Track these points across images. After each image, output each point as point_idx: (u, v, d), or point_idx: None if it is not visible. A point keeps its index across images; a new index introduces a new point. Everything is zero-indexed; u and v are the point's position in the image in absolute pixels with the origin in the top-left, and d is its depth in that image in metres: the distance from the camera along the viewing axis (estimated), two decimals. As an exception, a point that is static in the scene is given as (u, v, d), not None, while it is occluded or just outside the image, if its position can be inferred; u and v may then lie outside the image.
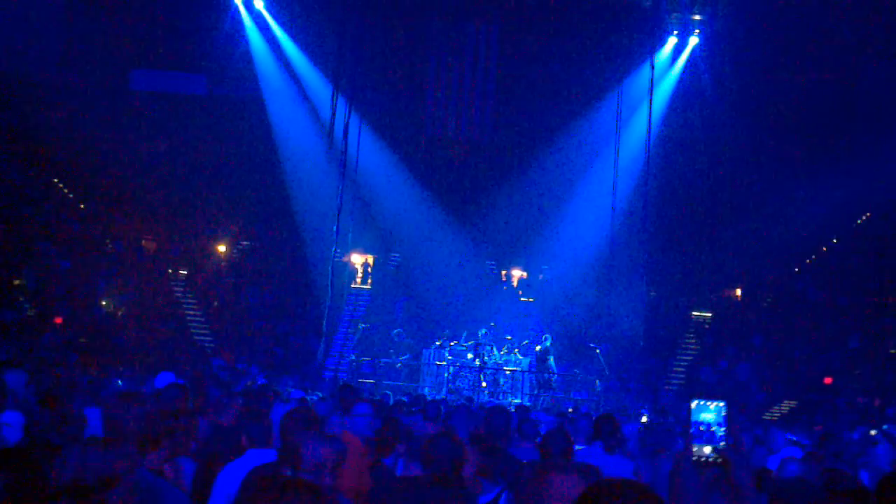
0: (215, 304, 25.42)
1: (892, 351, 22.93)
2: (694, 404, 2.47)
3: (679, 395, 22.27)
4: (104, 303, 23.70)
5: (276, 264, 26.81)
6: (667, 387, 23.49)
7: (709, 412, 2.44)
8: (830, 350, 23.49)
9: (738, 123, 25.45)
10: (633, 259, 24.68)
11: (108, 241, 26.00)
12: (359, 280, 26.99)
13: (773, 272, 26.86)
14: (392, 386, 19.48)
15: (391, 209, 26.75)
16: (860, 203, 26.10)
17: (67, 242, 24.40)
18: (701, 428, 2.43)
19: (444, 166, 26.80)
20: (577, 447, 6.69)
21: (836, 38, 24.62)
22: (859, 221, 27.44)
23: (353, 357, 22.78)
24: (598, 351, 22.25)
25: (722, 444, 2.38)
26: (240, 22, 25.56)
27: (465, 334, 21.63)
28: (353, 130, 25.10)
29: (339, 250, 24.14)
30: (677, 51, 25.50)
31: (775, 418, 20.90)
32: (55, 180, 26.65)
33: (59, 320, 21.79)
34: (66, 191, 26.96)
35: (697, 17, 24.55)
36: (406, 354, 21.87)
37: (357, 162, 25.59)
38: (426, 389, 19.65)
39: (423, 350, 21.53)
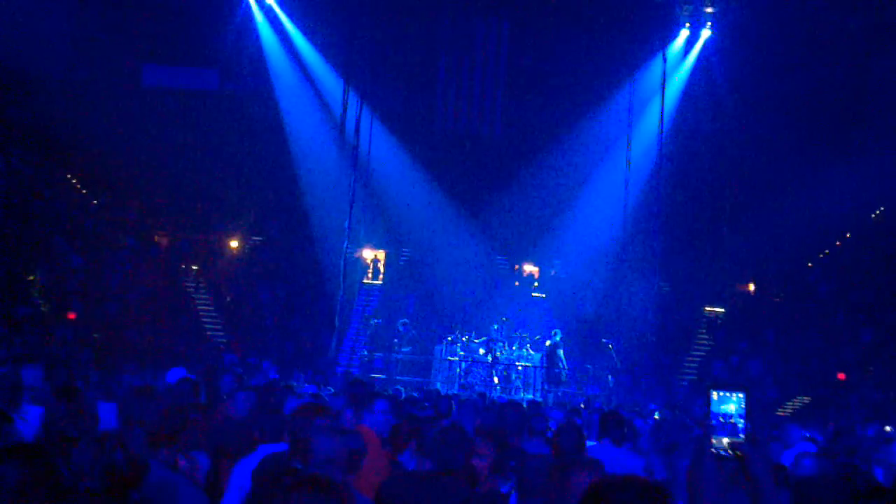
0: (227, 299, 25.47)
1: (906, 346, 22.80)
2: (715, 395, 2.44)
3: (692, 389, 22.19)
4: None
5: (288, 259, 26.86)
6: (679, 382, 23.42)
7: (730, 402, 2.42)
8: (843, 345, 23.37)
9: (750, 117, 25.32)
10: (645, 254, 24.60)
11: (120, 236, 26.07)
12: (370, 275, 27.01)
13: (785, 267, 26.74)
14: (403, 381, 19.49)
15: (403, 204, 26.75)
16: (873, 197, 25.94)
17: (80, 238, 24.48)
18: (721, 419, 2.40)
19: (456, 161, 26.76)
20: (588, 443, 6.69)
21: (848, 30, 24.46)
22: (873, 216, 27.28)
23: (365, 352, 22.80)
24: (610, 346, 22.21)
25: (741, 436, 2.36)
26: (251, 17, 25.58)
27: (472, 334, 21.54)
28: (364, 126, 25.12)
29: (350, 246, 24.17)
30: (689, 44, 25.38)
31: (788, 414, 20.82)
32: (67, 176, 26.74)
33: (72, 316, 21.87)
34: (78, 186, 27.05)
35: (710, 10, 24.41)
36: (407, 347, 21.85)
37: (368, 157, 25.62)
38: (438, 385, 19.67)
39: (435, 346, 21.54)
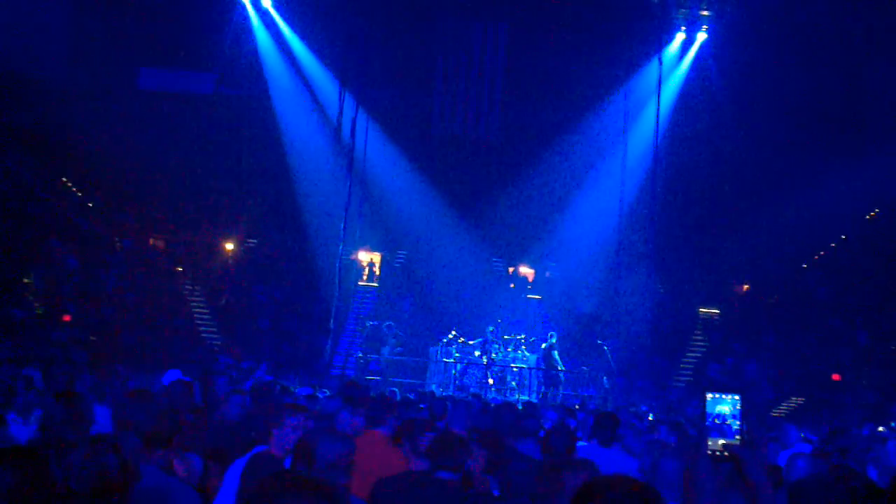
0: (223, 301, 25.45)
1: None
2: (709, 397, 2.46)
3: (687, 391, 22.22)
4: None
5: (283, 262, 26.85)
6: (675, 383, 23.44)
7: (724, 404, 2.43)
8: (839, 346, 23.41)
9: (746, 119, 25.37)
10: (640, 255, 24.64)
11: (116, 239, 26.04)
12: (366, 277, 27.01)
13: (781, 268, 26.78)
14: (399, 383, 19.50)
15: (398, 207, 26.76)
16: (869, 199, 26.02)
17: (75, 241, 24.45)
18: (716, 421, 2.42)
19: (452, 164, 26.76)
20: (580, 443, 6.75)
21: (844, 32, 24.50)
22: (868, 217, 27.34)
23: (360, 354, 22.81)
24: (606, 348, 22.23)
25: (737, 437, 2.37)
26: (247, 20, 25.57)
27: (467, 336, 21.54)
28: (360, 128, 25.14)
29: (346, 248, 24.18)
30: (685, 47, 25.41)
31: (783, 415, 20.85)
32: (63, 179, 26.71)
33: (67, 318, 21.84)
34: (74, 189, 27.02)
35: (706, 13, 24.45)
36: (386, 347, 21.80)
37: (364, 160, 25.62)
38: (433, 386, 19.67)
39: (431, 347, 21.55)
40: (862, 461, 7.83)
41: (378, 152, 26.31)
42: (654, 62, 24.80)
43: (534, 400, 17.95)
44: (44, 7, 25.19)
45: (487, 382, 20.12)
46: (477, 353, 20.73)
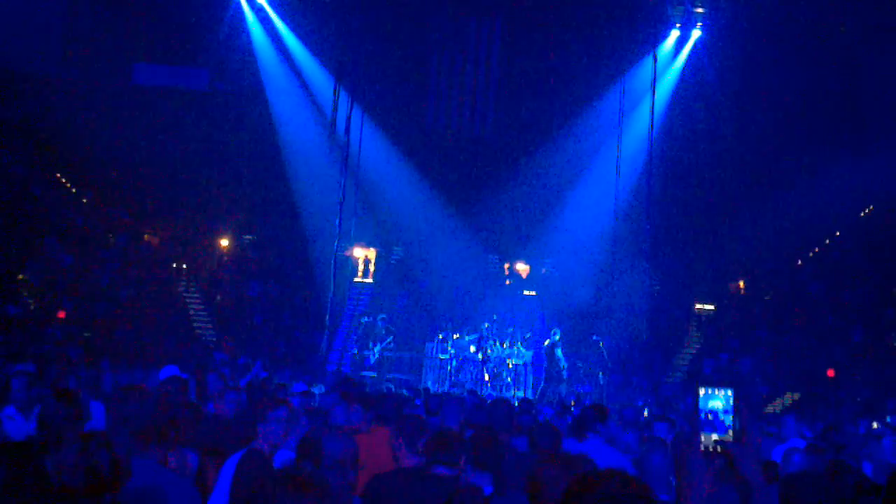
0: (218, 298, 25.42)
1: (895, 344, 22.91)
2: (702, 392, 2.45)
3: (682, 387, 22.24)
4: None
5: (278, 258, 26.83)
6: (669, 379, 23.47)
7: (717, 399, 2.43)
8: (834, 342, 23.46)
9: (740, 116, 25.43)
10: (635, 252, 24.65)
11: (110, 235, 26.00)
12: (361, 274, 26.99)
13: (776, 265, 26.82)
14: (394, 379, 19.49)
15: (393, 203, 26.74)
16: (863, 196, 26.03)
17: (70, 237, 24.40)
18: (709, 416, 2.41)
19: (447, 160, 26.77)
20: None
21: (838, 29, 24.55)
22: (862, 214, 27.38)
23: (356, 350, 22.79)
24: (601, 344, 22.24)
25: (729, 432, 2.37)
26: (242, 16, 25.54)
27: (463, 332, 21.52)
28: (355, 124, 25.10)
29: (341, 244, 24.14)
30: (680, 44, 25.44)
31: (777, 411, 20.87)
32: (57, 175, 26.65)
33: (62, 315, 21.80)
34: (68, 185, 26.96)
35: (700, 10, 24.47)
36: (380, 343, 21.75)
37: (359, 156, 25.59)
38: (429, 383, 19.68)
39: (426, 343, 21.54)
40: (857, 457, 7.85)
41: (373, 148, 26.27)
42: (649, 59, 24.80)
43: (529, 396, 17.95)
44: (38, 3, 25.13)
45: (483, 379, 20.12)
46: (473, 350, 20.73)
